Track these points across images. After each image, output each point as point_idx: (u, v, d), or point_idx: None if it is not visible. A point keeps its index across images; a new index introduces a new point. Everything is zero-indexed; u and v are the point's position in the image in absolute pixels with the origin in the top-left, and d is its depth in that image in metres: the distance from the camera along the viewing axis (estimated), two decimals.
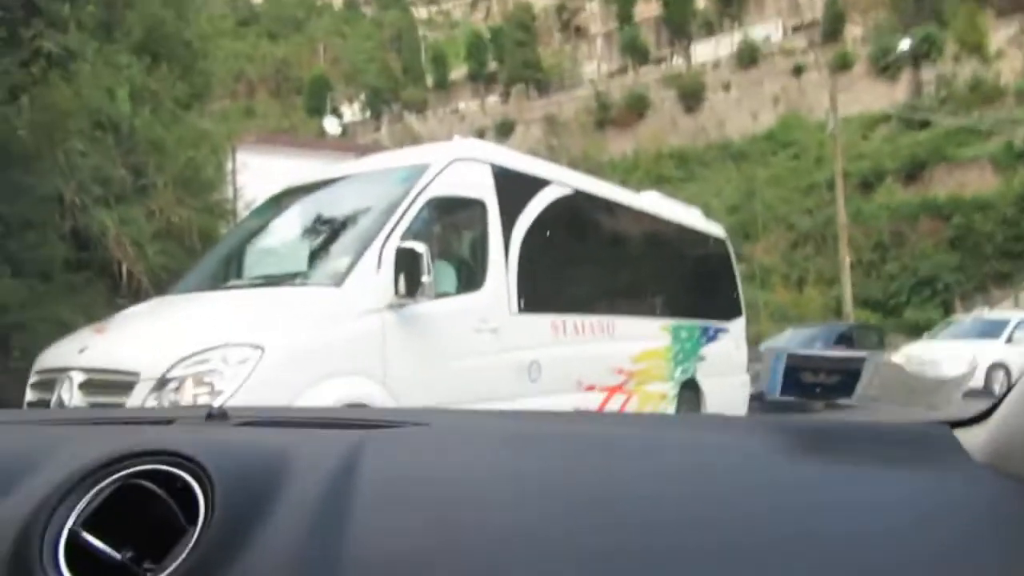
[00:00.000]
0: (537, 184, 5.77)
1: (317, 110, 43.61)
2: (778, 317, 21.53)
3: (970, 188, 24.47)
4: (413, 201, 4.69)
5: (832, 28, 34.86)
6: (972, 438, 0.86)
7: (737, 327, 8.50)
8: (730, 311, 8.49)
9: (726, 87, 35.98)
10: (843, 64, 31.68)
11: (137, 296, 5.60)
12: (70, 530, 0.81)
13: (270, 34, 54.84)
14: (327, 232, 5.18)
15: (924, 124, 27.49)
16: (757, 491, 0.81)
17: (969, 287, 22.25)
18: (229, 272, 5.54)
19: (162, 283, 5.71)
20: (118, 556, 0.79)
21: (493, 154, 5.56)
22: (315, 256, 4.98)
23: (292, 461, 0.90)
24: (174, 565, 0.77)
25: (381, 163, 5.76)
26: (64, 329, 4.81)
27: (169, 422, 1.21)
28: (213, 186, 8.18)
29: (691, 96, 36.14)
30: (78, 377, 3.98)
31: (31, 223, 6.34)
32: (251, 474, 0.87)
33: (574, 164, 29.34)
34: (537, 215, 5.60)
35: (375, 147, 27.69)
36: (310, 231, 5.36)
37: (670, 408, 6.94)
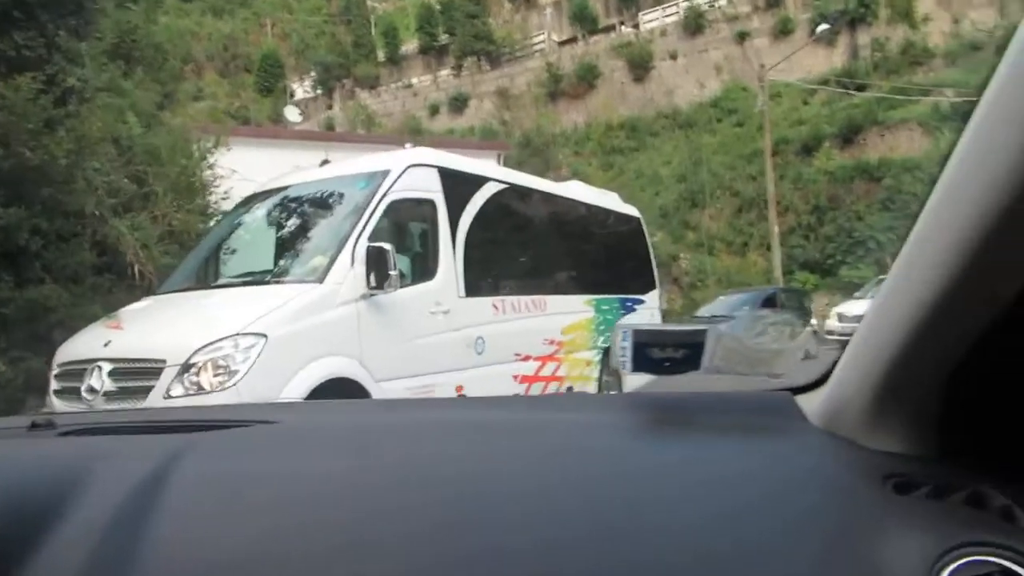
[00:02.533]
0: (476, 182, 6.54)
1: (268, 88, 42.96)
2: (724, 283, 22.25)
3: (900, 150, 25.63)
4: (378, 204, 5.42)
5: None
6: (811, 403, 0.89)
7: (652, 298, 9.40)
8: (645, 284, 9.39)
9: (673, 55, 36.51)
10: (784, 30, 32.12)
11: (150, 292, 6.33)
12: None
13: (214, 10, 53.63)
14: (303, 233, 5.85)
15: (859, 88, 28.40)
16: (611, 470, 0.81)
17: (899, 246, 23.34)
18: (211, 272, 6.15)
19: None
20: None
21: (440, 158, 6.27)
22: (295, 255, 5.64)
23: (94, 471, 0.83)
24: None
25: (345, 169, 6.37)
26: None
27: None
28: (206, 189, 9.04)
29: (640, 65, 36.40)
30: (107, 366, 4.54)
31: (64, 236, 7.20)
32: (35, 488, 0.81)
33: (527, 138, 30.02)
34: (477, 209, 6.39)
35: (339, 135, 27.78)
36: (285, 232, 6.00)
37: (594, 371, 7.85)
